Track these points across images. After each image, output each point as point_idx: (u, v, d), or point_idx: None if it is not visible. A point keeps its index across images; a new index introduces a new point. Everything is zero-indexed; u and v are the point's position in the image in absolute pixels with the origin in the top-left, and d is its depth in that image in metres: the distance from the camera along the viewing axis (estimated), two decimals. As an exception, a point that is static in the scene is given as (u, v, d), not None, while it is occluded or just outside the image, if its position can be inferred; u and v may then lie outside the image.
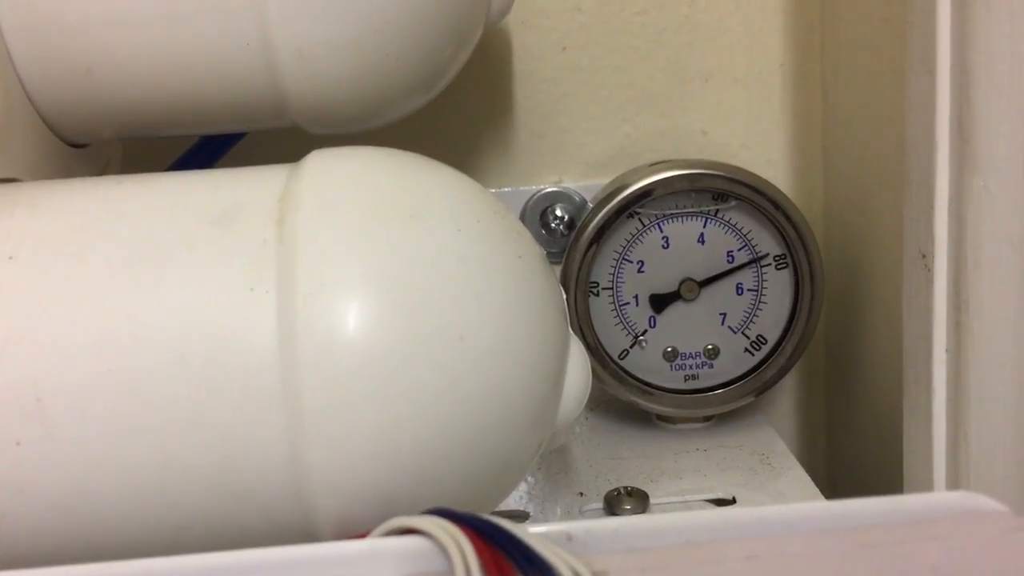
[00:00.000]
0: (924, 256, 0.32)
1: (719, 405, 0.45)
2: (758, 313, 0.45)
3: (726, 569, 0.21)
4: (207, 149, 0.39)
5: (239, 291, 0.26)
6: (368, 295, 0.25)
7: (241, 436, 0.25)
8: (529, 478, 0.44)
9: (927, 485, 0.33)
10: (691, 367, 0.45)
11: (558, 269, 0.44)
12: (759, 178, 0.43)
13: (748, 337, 0.45)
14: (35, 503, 0.25)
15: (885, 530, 0.22)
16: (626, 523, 0.22)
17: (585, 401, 0.31)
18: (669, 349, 0.45)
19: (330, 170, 0.28)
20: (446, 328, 0.26)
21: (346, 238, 0.26)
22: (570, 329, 0.31)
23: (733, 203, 0.43)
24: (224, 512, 0.25)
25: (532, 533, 0.21)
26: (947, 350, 0.32)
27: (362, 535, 0.23)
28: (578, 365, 0.31)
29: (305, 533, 0.26)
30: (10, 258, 0.26)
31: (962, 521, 0.22)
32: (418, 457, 0.26)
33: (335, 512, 0.25)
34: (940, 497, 0.23)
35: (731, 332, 0.45)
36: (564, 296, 0.31)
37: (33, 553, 0.25)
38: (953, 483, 0.32)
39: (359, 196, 0.27)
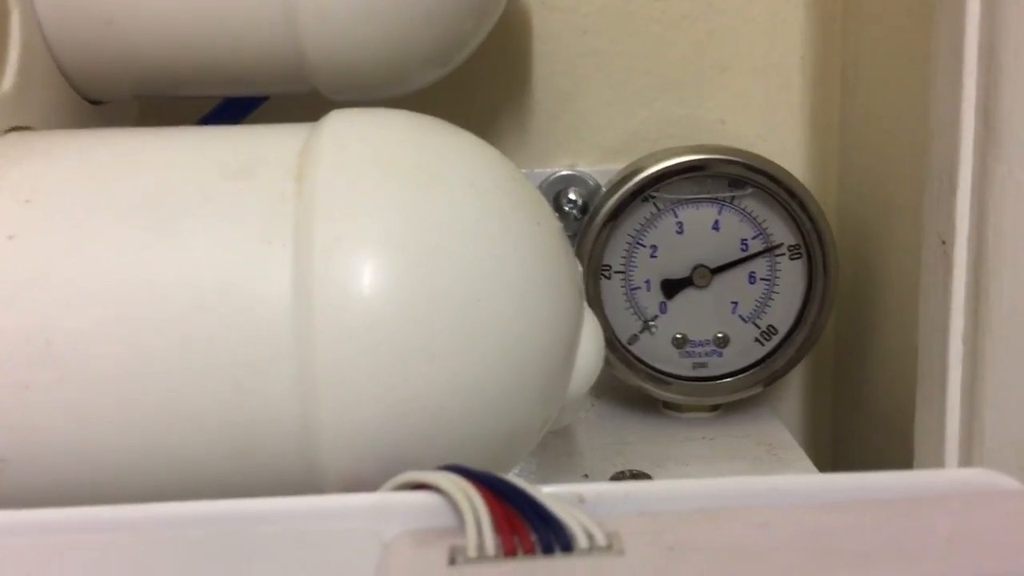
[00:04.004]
0: (944, 243, 0.32)
1: (727, 394, 0.45)
2: (770, 303, 0.44)
3: (739, 535, 0.20)
4: (225, 113, 0.39)
5: (255, 243, 0.25)
6: (385, 252, 0.25)
7: (251, 388, 0.25)
8: (533, 460, 0.43)
9: (938, 474, 0.33)
10: (700, 355, 0.45)
11: (570, 251, 0.44)
12: (776, 166, 0.43)
13: (759, 327, 0.45)
14: (40, 448, 0.25)
15: (900, 503, 0.22)
16: (638, 487, 0.22)
17: (596, 375, 0.31)
18: (679, 336, 0.45)
19: (351, 128, 0.28)
20: (462, 289, 0.26)
21: (365, 195, 0.26)
22: (585, 303, 0.31)
23: (749, 191, 0.43)
24: (231, 463, 0.25)
25: (545, 492, 0.21)
26: (964, 339, 0.32)
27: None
28: (591, 338, 0.30)
29: (312, 489, 0.26)
30: (27, 202, 0.26)
31: (978, 497, 0.22)
32: (428, 417, 0.25)
33: (342, 469, 0.25)
34: (956, 473, 0.22)
35: (742, 321, 0.45)
36: (580, 268, 0.31)
37: (36, 498, 0.25)
38: (965, 472, 0.32)
39: (379, 155, 0.27)
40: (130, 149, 0.28)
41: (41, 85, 0.32)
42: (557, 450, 0.44)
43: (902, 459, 0.39)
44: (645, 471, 0.41)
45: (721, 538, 0.20)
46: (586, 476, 0.41)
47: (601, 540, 0.20)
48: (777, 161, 0.43)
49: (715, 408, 0.46)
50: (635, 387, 0.45)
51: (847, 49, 0.48)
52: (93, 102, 0.36)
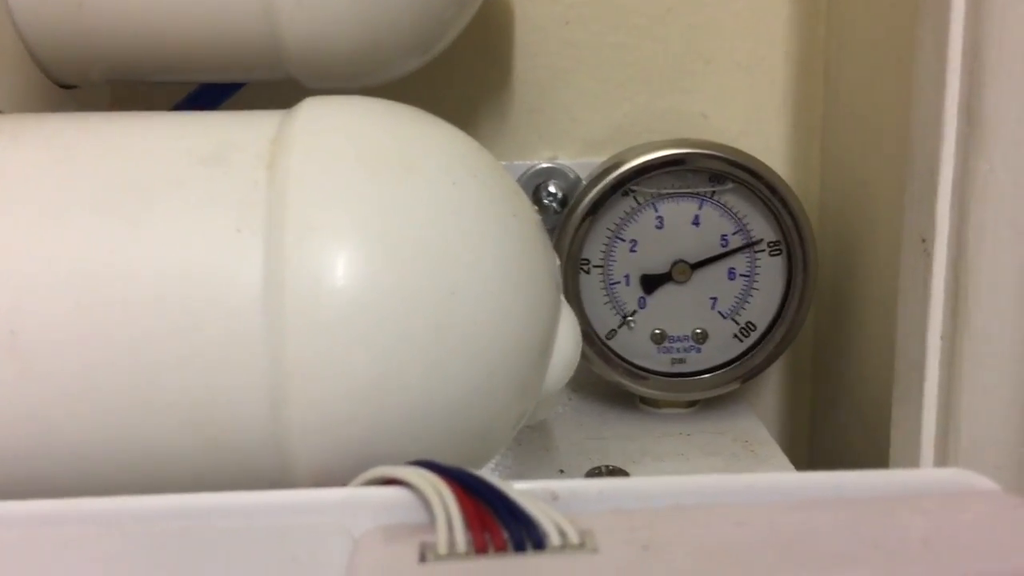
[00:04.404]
0: (924, 241, 0.32)
1: (705, 390, 0.45)
2: (749, 299, 0.44)
3: (714, 534, 0.20)
4: (200, 99, 0.38)
5: (226, 232, 0.25)
6: (359, 243, 0.25)
7: (220, 380, 0.24)
8: (509, 455, 0.43)
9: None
10: (679, 350, 0.45)
11: (549, 244, 0.43)
12: (758, 162, 0.42)
13: (737, 323, 0.44)
14: (4, 441, 0.24)
15: (876, 503, 0.21)
16: (612, 484, 0.22)
17: (573, 370, 0.30)
18: (657, 331, 0.44)
19: (325, 116, 0.27)
20: (437, 281, 0.25)
21: (339, 184, 0.25)
22: (562, 297, 0.31)
23: (730, 186, 0.43)
24: (201, 457, 0.25)
25: (517, 489, 0.21)
26: (942, 337, 0.31)
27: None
28: (568, 332, 0.30)
29: (282, 483, 0.25)
30: (-10, 186, 0.25)
31: (954, 497, 0.22)
32: (401, 411, 0.25)
33: (313, 463, 0.25)
34: (932, 473, 0.22)
35: (721, 317, 0.44)
36: (557, 262, 0.31)
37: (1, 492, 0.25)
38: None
39: (354, 143, 0.27)
40: (99, 134, 0.27)
41: (10, 69, 0.31)
42: (533, 444, 0.44)
43: (878, 456, 0.39)
44: (621, 467, 0.40)
45: (696, 537, 0.20)
46: (562, 471, 0.41)
47: (574, 538, 0.20)
48: (759, 157, 0.43)
49: (692, 404, 0.46)
50: (613, 382, 0.45)
51: (831, 45, 0.48)
52: (64, 86, 0.35)
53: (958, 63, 0.30)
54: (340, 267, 0.24)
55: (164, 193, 0.25)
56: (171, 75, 0.35)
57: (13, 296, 0.24)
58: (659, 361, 0.45)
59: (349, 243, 0.25)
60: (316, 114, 0.27)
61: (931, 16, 0.31)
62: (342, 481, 0.24)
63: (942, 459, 0.33)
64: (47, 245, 0.25)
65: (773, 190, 0.42)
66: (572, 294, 0.43)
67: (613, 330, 0.44)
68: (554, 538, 0.20)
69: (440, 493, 0.20)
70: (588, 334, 0.44)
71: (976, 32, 0.29)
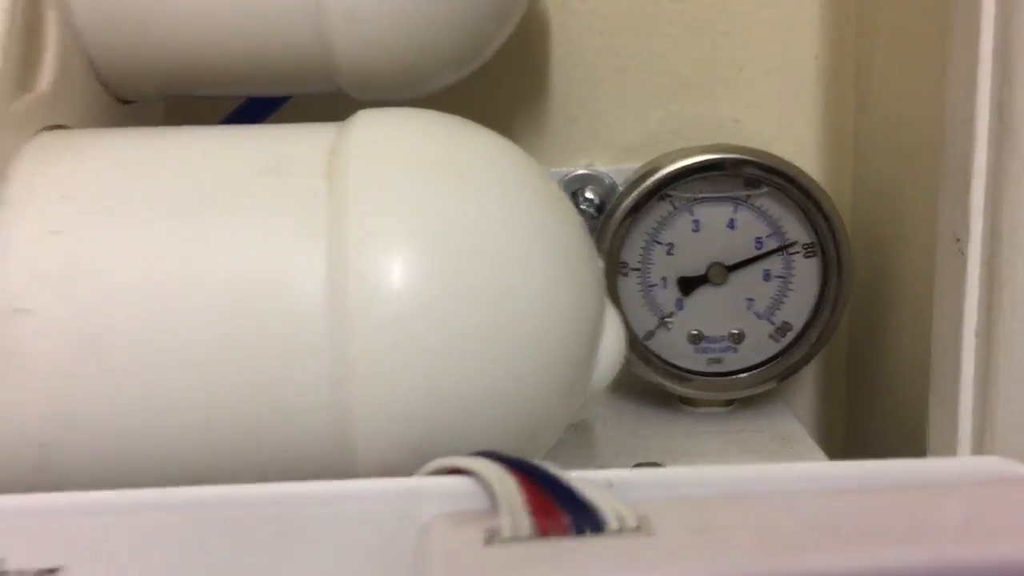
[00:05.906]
0: (958, 240, 0.32)
1: (742, 389, 0.46)
2: (784, 300, 0.45)
3: (764, 517, 0.21)
4: (250, 112, 0.40)
5: (290, 240, 0.26)
6: (416, 248, 0.26)
7: (288, 380, 0.26)
8: (549, 453, 0.44)
9: (952, 465, 0.33)
10: (716, 351, 0.45)
11: (588, 248, 0.44)
12: (792, 165, 0.43)
13: (773, 323, 0.45)
14: (83, 436, 0.26)
15: (917, 488, 0.22)
16: (667, 473, 0.23)
17: (618, 368, 0.31)
18: (695, 332, 0.45)
19: (380, 128, 0.29)
20: (490, 284, 0.26)
21: (396, 193, 0.27)
22: (606, 298, 0.32)
23: (765, 190, 0.44)
24: (269, 451, 0.26)
25: (577, 477, 0.22)
26: (977, 333, 0.32)
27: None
28: (613, 332, 0.31)
29: (345, 475, 0.26)
30: (67, 198, 0.27)
31: (994, 484, 0.22)
32: (458, 408, 0.26)
33: (374, 457, 0.26)
34: (971, 461, 0.23)
35: (756, 318, 0.45)
36: (601, 264, 0.32)
37: (81, 482, 0.26)
38: (979, 463, 0.33)
39: (409, 154, 0.28)
40: (162, 147, 0.29)
41: (76, 85, 0.33)
42: (574, 443, 0.45)
43: (915, 454, 0.40)
44: (662, 464, 0.41)
45: (746, 520, 0.21)
46: (604, 469, 0.42)
47: (631, 522, 0.21)
48: (791, 160, 0.44)
49: (730, 403, 0.47)
50: (652, 383, 0.46)
51: (861, 49, 0.48)
52: (123, 101, 0.37)
53: (989, 63, 0.31)
54: (398, 271, 0.26)
55: (228, 204, 0.27)
56: (225, 89, 0.36)
57: (94, 301, 0.25)
58: (696, 361, 0.46)
59: (406, 248, 0.26)
60: (371, 126, 0.29)
61: (962, 17, 0.32)
62: (401, 474, 0.25)
63: (979, 455, 0.34)
64: (123, 253, 0.26)
65: (807, 193, 0.43)
66: (611, 297, 0.44)
67: (651, 331, 0.45)
68: (612, 523, 0.21)
69: (504, 481, 0.21)
70: (627, 335, 0.44)
71: (1007, 31, 0.30)
